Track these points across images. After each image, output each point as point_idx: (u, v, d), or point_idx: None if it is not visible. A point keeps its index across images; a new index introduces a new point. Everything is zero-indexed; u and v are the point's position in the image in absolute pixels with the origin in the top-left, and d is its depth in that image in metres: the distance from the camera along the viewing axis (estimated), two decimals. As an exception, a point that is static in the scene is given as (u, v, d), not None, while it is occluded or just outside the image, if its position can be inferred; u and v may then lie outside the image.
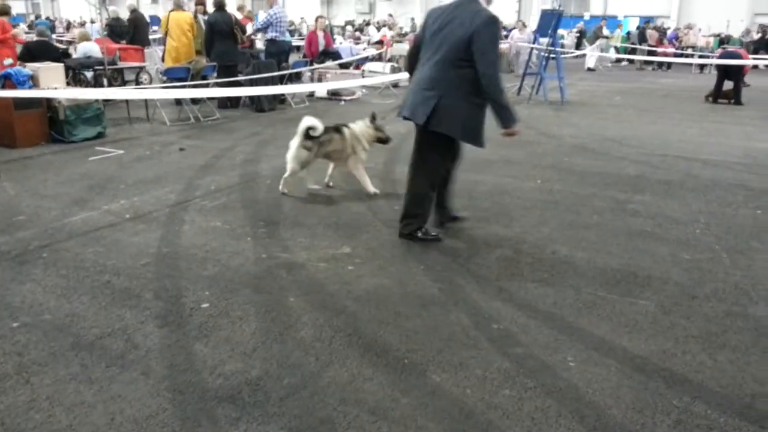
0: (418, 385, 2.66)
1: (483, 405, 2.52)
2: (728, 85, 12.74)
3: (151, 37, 15.41)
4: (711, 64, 13.19)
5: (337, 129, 5.40)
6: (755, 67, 18.83)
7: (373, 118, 5.44)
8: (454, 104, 3.97)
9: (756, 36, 25.39)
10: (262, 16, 12.43)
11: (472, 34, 3.83)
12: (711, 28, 27.95)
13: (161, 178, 5.97)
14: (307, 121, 5.23)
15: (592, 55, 20.87)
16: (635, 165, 6.92)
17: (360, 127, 5.45)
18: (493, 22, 3.88)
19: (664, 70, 22.15)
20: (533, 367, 2.81)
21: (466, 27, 3.86)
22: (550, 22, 12.85)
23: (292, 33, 20.44)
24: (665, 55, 21.83)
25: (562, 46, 18.00)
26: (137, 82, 11.93)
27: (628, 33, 26.17)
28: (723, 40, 24.40)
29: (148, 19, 16.58)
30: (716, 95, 12.75)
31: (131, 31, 14.20)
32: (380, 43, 17.45)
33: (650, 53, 22.48)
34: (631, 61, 23.61)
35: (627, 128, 9.49)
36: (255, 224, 4.66)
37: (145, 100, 9.52)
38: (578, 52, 21.09)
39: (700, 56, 20.38)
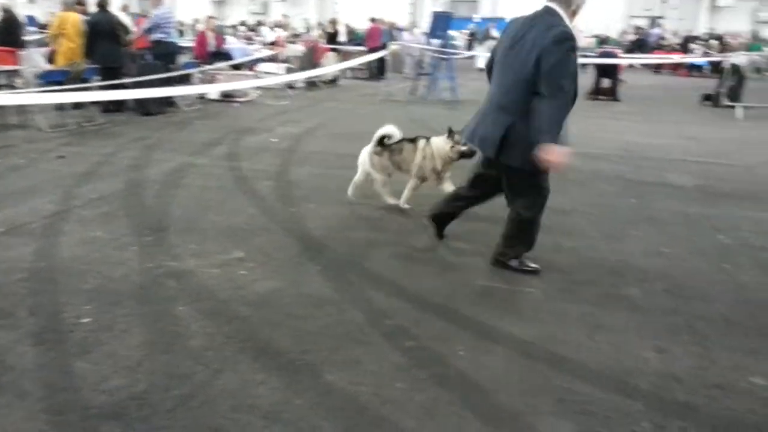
0: (311, 386, 2.64)
1: (376, 400, 2.54)
2: (608, 82, 13.61)
3: (28, 38, 14.40)
4: (591, 64, 14.00)
5: (413, 140, 5.07)
6: (630, 65, 20.25)
7: (450, 133, 4.84)
8: (526, 133, 3.43)
9: (632, 37, 27.30)
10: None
11: (540, 54, 3.32)
12: (592, 29, 29.65)
13: (38, 187, 5.59)
14: (385, 129, 5.07)
15: (482, 55, 21.60)
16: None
17: (438, 143, 4.91)
18: (563, 39, 3.31)
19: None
20: (425, 359, 2.86)
21: (537, 45, 3.34)
22: (441, 23, 13.18)
23: (182, 33, 19.81)
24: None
25: (454, 47, 18.49)
26: (9, 87, 11.11)
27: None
28: (603, 41, 25.99)
29: (25, 20, 15.50)
30: (596, 92, 13.55)
31: (2, 32, 13.20)
32: (274, 44, 17.24)
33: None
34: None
35: (515, 125, 9.87)
36: (141, 232, 4.46)
37: (20, 106, 8.89)
38: (469, 53, 21.73)
39: (583, 56, 21.59)
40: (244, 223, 4.70)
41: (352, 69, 16.25)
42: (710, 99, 13.15)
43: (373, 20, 18.18)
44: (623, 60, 15.12)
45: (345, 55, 16.87)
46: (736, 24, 30.02)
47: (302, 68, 13.88)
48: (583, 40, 26.27)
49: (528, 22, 3.50)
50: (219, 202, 5.22)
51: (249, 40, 18.37)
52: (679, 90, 16.47)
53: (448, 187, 4.82)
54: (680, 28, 30.14)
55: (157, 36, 10.52)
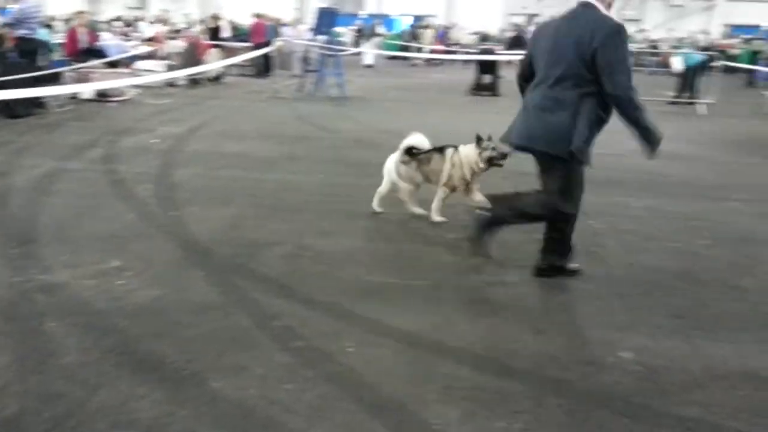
0: (197, 395, 2.56)
1: (264, 403, 2.51)
2: (489, 79, 14.15)
3: None
4: (474, 60, 14.57)
5: (441, 149, 4.93)
6: (510, 62, 21.16)
7: (479, 140, 4.76)
8: (579, 125, 3.44)
9: (511, 34, 28.51)
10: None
11: (595, 50, 3.30)
12: (473, 26, 30.71)
13: None
14: (412, 138, 4.93)
15: (369, 52, 21.82)
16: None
17: (466, 151, 4.81)
18: (618, 31, 3.34)
19: (436, 65, 23.89)
20: (313, 358, 2.85)
21: (586, 41, 3.32)
22: (327, 19, 13.16)
23: (50, 28, 18.49)
24: (436, 52, 23.56)
25: (341, 43, 18.53)
26: None
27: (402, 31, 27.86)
28: (484, 38, 26.98)
29: None
30: (478, 88, 14.06)
31: None
32: (153, 40, 16.49)
33: (421, 50, 24.09)
34: (405, 58, 25.09)
35: (402, 121, 10.04)
36: (6, 244, 4.13)
37: None
38: (356, 50, 21.89)
39: (465, 53, 22.32)
40: (121, 230, 4.46)
41: (237, 66, 15.87)
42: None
43: (257, 16, 17.85)
44: (503, 56, 15.80)
45: (229, 52, 16.44)
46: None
47: (184, 65, 13.38)
48: (465, 37, 27.25)
49: (566, 21, 3.52)
50: (93, 209, 4.94)
51: (126, 36, 17.46)
52: (555, 84, 17.35)
53: (478, 197, 4.78)
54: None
55: (21, 32, 9.79)
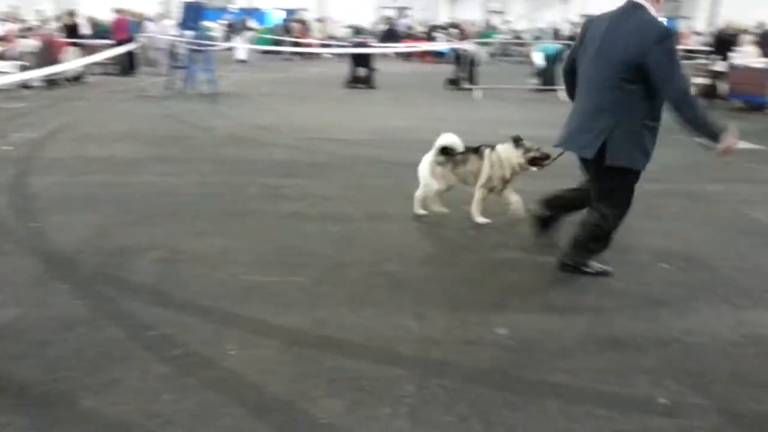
0: (67, 417, 2.40)
1: (141, 417, 2.39)
2: (364, 71, 14.26)
3: None
4: (348, 53, 14.63)
5: (477, 150, 4.76)
6: (384, 54, 21.45)
7: (516, 141, 4.67)
8: (630, 132, 3.41)
9: (383, 27, 28.92)
10: None
11: (645, 56, 3.26)
12: (346, 20, 30.79)
13: None
14: (446, 138, 4.75)
15: (241, 47, 21.30)
16: (286, 150, 7.29)
17: (505, 151, 4.68)
18: (667, 36, 3.30)
19: (310, 59, 23.74)
20: (193, 365, 2.75)
21: (634, 45, 3.29)
22: (193, 14, 12.69)
23: None
24: (309, 45, 23.41)
25: (211, 38, 17.93)
26: None
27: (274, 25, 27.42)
28: (357, 31, 27.14)
29: None
30: (353, 81, 14.15)
31: None
32: (2, 39, 15.14)
33: (296, 44, 23.87)
34: (278, 52, 24.75)
35: (278, 116, 9.94)
36: None
37: None
38: (228, 45, 21.28)
39: (339, 46, 22.36)
40: (-28, 247, 4.08)
41: (99, 65, 14.93)
42: (453, 83, 14.48)
43: (118, 11, 16.87)
44: (377, 49, 16.00)
45: (89, 50, 15.43)
46: (471, 13, 33.39)
47: (39, 65, 12.40)
48: (339, 30, 27.30)
49: (615, 20, 3.44)
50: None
51: (-33, 35, 15.88)
52: (428, 76, 17.87)
53: (512, 196, 4.76)
54: (425, 18, 32.71)
55: None
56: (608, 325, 3.25)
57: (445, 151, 4.77)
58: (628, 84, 3.36)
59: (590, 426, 2.42)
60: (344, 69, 14.97)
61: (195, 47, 12.59)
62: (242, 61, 20.98)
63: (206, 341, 2.95)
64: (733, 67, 12.08)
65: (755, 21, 17.98)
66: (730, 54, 12.97)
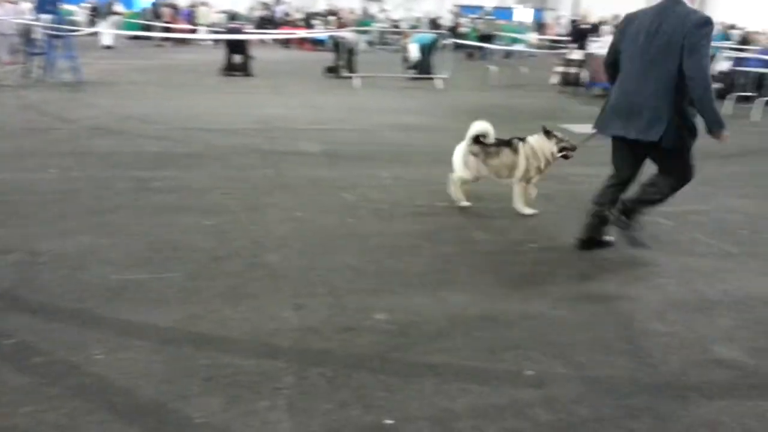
0: None
1: (-4, 434, 2.21)
2: (240, 58, 13.90)
3: None
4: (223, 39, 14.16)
5: (509, 143, 4.83)
6: (261, 41, 21.03)
7: (547, 132, 4.83)
8: (681, 116, 3.74)
9: (260, 13, 28.25)
10: None
11: (685, 37, 3.59)
12: (222, 5, 29.74)
13: None
14: (478, 126, 4.78)
15: (107, 32, 20.04)
16: (158, 141, 6.97)
17: (538, 141, 4.80)
18: (706, 22, 3.64)
19: (183, 45, 22.80)
20: (57, 373, 2.58)
21: (679, 31, 3.62)
22: (50, -4, 11.77)
23: None
24: (182, 31, 22.45)
25: (73, 23, 16.70)
26: None
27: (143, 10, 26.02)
28: (232, 17, 26.35)
29: None
30: (229, 68, 13.76)
31: None
32: None
33: (166, 29, 22.80)
34: (148, 38, 23.55)
35: (149, 105, 9.46)
36: None
37: None
38: (92, 30, 19.94)
39: (214, 32, 21.61)
40: None
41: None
42: (332, 71, 14.46)
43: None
44: (253, 35, 15.62)
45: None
46: (349, 1, 33.38)
47: None
48: (212, 15, 26.33)
49: (657, 15, 3.73)
50: None
51: None
52: (306, 63, 17.72)
53: (534, 191, 4.94)
54: (303, 5, 32.31)
55: None
56: (481, 303, 3.40)
57: (478, 140, 4.84)
58: (677, 73, 3.68)
59: (464, 402, 2.52)
60: (219, 56, 14.52)
61: (53, 32, 11.68)
62: (108, 47, 19.74)
63: (70, 347, 2.77)
64: (591, 57, 12.94)
65: (611, 13, 19.40)
66: (585, 43, 13.94)
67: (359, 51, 15.05)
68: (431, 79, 13.99)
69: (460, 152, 4.90)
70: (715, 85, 12.20)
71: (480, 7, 31.72)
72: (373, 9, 33.59)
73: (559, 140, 4.84)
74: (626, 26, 3.95)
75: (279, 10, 29.47)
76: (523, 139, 4.86)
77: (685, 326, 3.25)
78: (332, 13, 27.43)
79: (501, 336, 3.07)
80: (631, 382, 2.73)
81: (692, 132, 3.83)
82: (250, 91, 11.67)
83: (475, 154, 4.83)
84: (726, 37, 16.67)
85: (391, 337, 3.01)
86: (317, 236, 4.28)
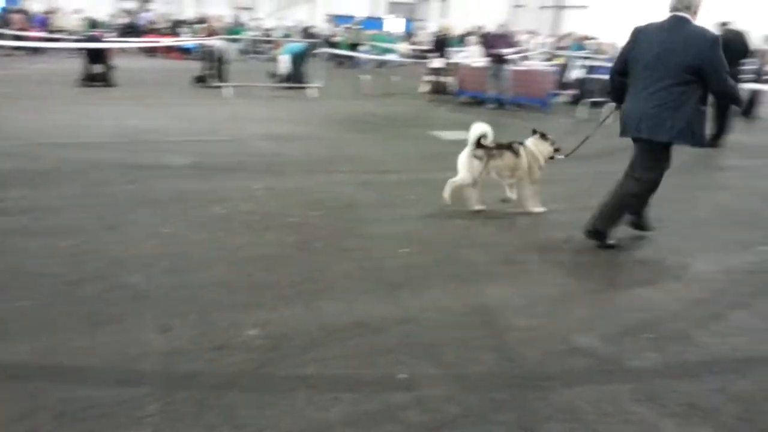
0: None
1: None
2: (100, 68, 13.10)
3: None
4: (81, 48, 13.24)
5: (510, 146, 5.16)
6: (123, 50, 19.96)
7: (543, 135, 5.26)
8: (691, 117, 4.16)
9: (123, 20, 26.86)
10: None
11: (702, 62, 4.05)
12: (84, 10, 27.98)
13: None
14: (477, 128, 4.99)
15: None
16: (8, 159, 6.39)
17: (536, 143, 5.21)
18: (717, 42, 4.09)
19: (37, 54, 21.18)
20: None
21: (692, 51, 4.07)
22: None
23: None
24: (35, 39, 20.84)
25: None
26: None
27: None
28: (93, 24, 24.85)
29: None
30: (88, 78, 12.94)
31: None
32: None
33: (18, 38, 21.07)
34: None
35: (-3, 120, 8.69)
36: None
37: None
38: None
39: (72, 40, 20.24)
40: None
41: None
42: (201, 80, 14.02)
43: None
44: (113, 44, 14.79)
45: None
46: (218, 9, 32.58)
47: None
48: (71, 21, 24.69)
49: (666, 30, 4.19)
50: None
51: None
52: (173, 72, 17.06)
53: (529, 189, 5.29)
54: (169, 11, 31.12)
55: None
56: (355, 311, 3.41)
57: (480, 145, 5.05)
58: (687, 83, 4.13)
59: (337, 411, 2.51)
60: (74, 65, 13.62)
61: None
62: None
63: None
64: (458, 66, 13.48)
65: (473, 24, 20.34)
66: (445, 52, 14.65)
67: (230, 60, 14.69)
68: (303, 89, 13.94)
69: (464, 157, 5.14)
70: (571, 92, 13.35)
71: (352, 17, 32.11)
72: (244, 17, 33.02)
73: (552, 142, 5.30)
74: (635, 39, 4.34)
75: (143, 17, 28.19)
76: (521, 143, 5.24)
77: (546, 319, 3.44)
78: (201, 20, 26.62)
79: (375, 342, 3.09)
80: (497, 376, 2.84)
81: (699, 136, 4.28)
82: (112, 102, 11.03)
83: (479, 158, 5.09)
84: (581, 47, 17.99)
85: (263, 353, 2.94)
86: (184, 252, 4.10)
